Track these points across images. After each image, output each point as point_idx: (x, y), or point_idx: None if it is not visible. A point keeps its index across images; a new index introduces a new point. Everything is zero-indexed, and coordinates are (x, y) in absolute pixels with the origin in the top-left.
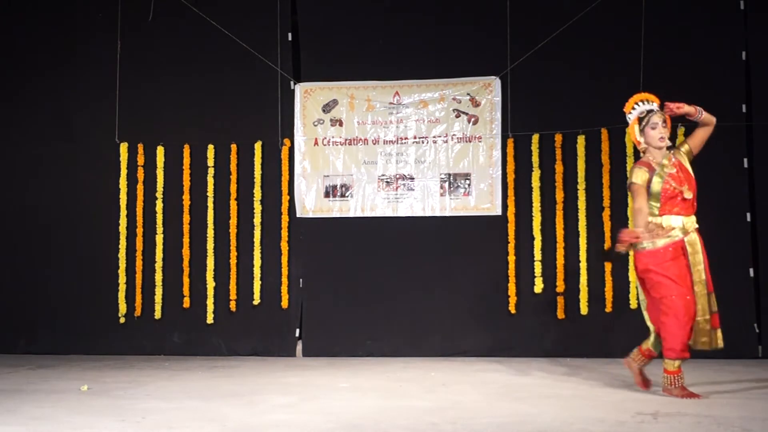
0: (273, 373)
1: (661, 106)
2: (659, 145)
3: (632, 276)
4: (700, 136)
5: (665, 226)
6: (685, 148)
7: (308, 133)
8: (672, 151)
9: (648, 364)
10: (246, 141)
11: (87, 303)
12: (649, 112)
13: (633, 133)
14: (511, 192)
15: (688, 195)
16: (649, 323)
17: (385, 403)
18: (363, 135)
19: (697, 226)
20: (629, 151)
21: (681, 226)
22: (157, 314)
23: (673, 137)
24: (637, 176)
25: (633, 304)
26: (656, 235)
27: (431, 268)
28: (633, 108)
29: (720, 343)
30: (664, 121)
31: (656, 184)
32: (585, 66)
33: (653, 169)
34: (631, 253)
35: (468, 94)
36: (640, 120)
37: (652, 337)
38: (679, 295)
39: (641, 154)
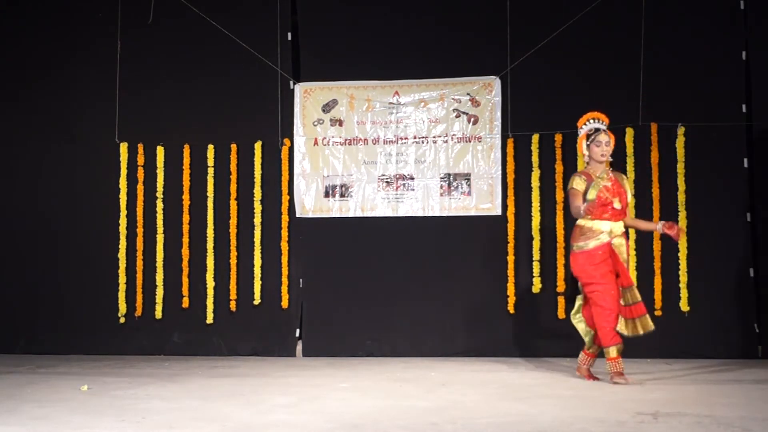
0: (273, 373)
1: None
2: (600, 160)
3: (632, 276)
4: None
5: (595, 229)
6: (628, 182)
7: (308, 133)
8: (611, 170)
9: (593, 364)
10: (246, 141)
11: (87, 303)
12: (597, 130)
13: (581, 145)
14: (511, 192)
15: (618, 205)
16: (582, 327)
17: (385, 403)
18: (363, 135)
19: (624, 230)
20: (629, 150)
21: (609, 230)
22: (157, 314)
23: (672, 136)
24: (577, 183)
25: None
26: (587, 238)
27: (431, 268)
28: (585, 124)
29: (649, 327)
30: (608, 142)
31: (591, 193)
32: (585, 66)
33: (591, 179)
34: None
35: (468, 94)
36: (588, 136)
37: (587, 339)
38: (605, 290)
39: (585, 166)
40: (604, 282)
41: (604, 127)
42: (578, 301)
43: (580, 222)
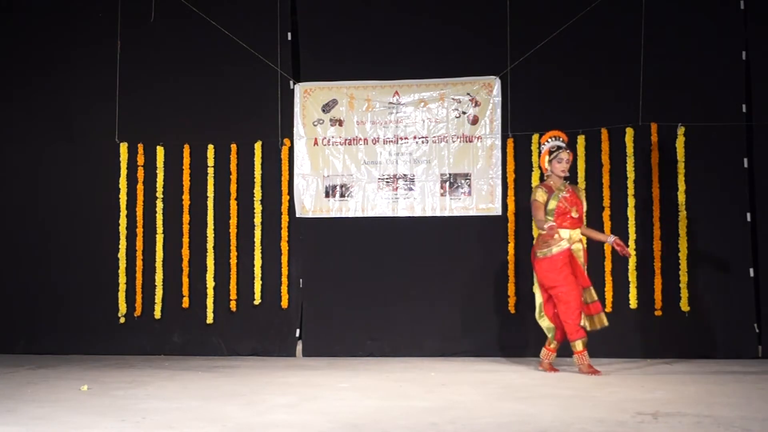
0: (273, 373)
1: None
2: (560, 175)
3: (632, 276)
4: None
5: (556, 237)
6: (583, 194)
7: (308, 132)
8: (569, 183)
9: (554, 359)
10: (246, 141)
11: (87, 303)
12: (559, 147)
13: (543, 160)
14: (511, 192)
15: (575, 214)
16: (546, 324)
17: (385, 403)
18: (363, 135)
19: (581, 237)
20: (629, 151)
21: (568, 237)
22: (157, 314)
23: (673, 135)
24: (539, 195)
25: (633, 304)
26: (549, 245)
27: (431, 268)
28: (548, 140)
29: (604, 323)
30: (568, 159)
31: (552, 204)
32: (585, 66)
33: (552, 191)
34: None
35: (468, 94)
36: (550, 152)
37: (550, 336)
38: (569, 290)
39: (545, 178)
40: (567, 283)
41: (564, 146)
42: (538, 300)
43: (542, 231)
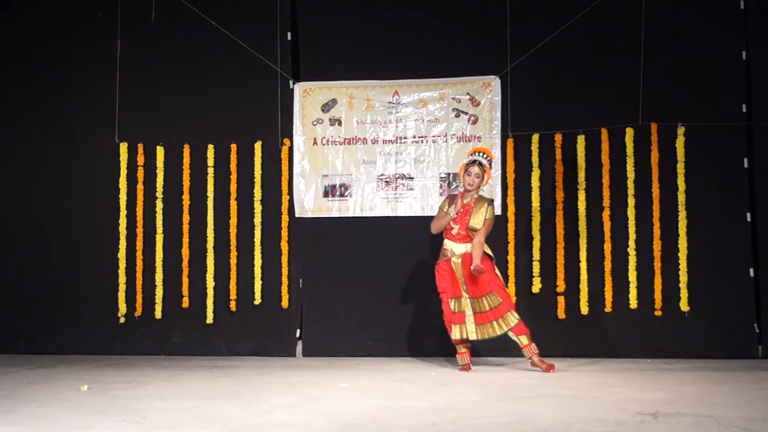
0: (273, 373)
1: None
2: (467, 188)
3: (632, 276)
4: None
5: (445, 247)
6: (484, 213)
7: (307, 132)
8: (477, 199)
9: (537, 351)
10: (246, 141)
11: (87, 303)
12: (474, 162)
13: (460, 172)
14: (511, 192)
15: (454, 230)
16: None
17: (385, 403)
18: (362, 134)
19: (466, 252)
20: (629, 151)
21: (450, 249)
22: (157, 314)
23: (673, 135)
24: (442, 203)
25: (633, 304)
26: (440, 253)
27: (431, 268)
28: (472, 154)
29: (495, 333)
30: (477, 174)
31: (451, 212)
32: (585, 66)
33: (452, 202)
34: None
35: (468, 93)
36: (467, 164)
37: (514, 338)
38: (444, 303)
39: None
40: (444, 294)
41: (486, 162)
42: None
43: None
